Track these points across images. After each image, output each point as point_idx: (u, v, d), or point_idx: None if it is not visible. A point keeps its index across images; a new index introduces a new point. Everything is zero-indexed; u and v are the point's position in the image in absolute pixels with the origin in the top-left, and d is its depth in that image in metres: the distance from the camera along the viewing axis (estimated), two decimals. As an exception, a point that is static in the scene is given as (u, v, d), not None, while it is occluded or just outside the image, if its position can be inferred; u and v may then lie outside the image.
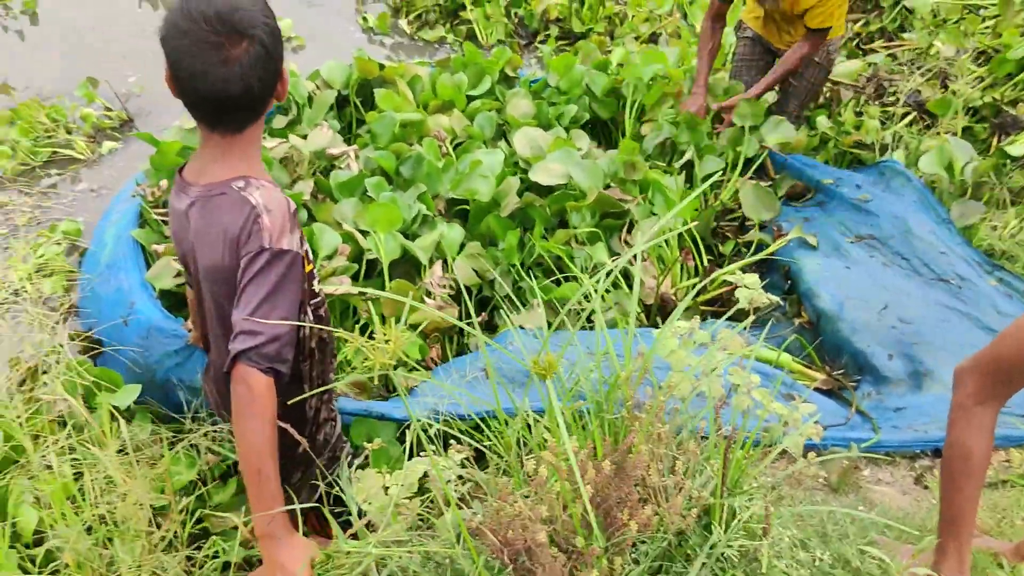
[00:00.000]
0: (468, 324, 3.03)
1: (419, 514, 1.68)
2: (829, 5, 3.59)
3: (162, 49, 1.52)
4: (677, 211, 2.55)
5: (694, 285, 3.41)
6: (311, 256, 1.75)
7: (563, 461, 1.36)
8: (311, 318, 1.76)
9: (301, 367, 1.80)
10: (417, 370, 2.81)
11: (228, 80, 1.49)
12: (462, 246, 3.25)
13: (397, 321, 2.99)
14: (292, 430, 1.51)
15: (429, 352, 2.94)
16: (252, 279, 1.53)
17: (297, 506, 1.57)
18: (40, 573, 2.07)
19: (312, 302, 1.77)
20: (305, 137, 3.47)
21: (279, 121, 3.70)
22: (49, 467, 2.27)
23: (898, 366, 2.81)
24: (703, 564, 1.58)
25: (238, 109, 1.56)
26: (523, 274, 3.23)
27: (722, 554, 1.62)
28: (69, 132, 4.24)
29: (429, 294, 3.02)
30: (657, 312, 3.29)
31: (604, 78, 4.13)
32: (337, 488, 1.66)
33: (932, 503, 2.38)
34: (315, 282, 1.78)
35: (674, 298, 3.33)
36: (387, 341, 1.80)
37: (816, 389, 2.95)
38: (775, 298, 2.19)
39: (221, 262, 1.58)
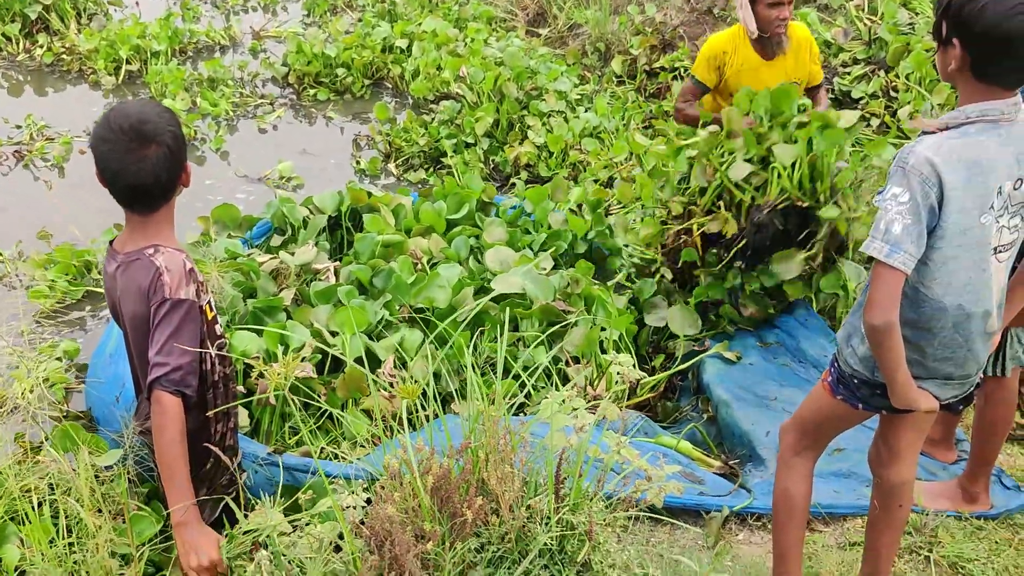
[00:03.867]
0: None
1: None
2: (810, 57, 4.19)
3: (92, 153, 2.06)
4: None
5: (623, 390, 3.89)
6: (214, 306, 2.25)
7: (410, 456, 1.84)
8: (214, 355, 2.23)
9: (207, 397, 2.25)
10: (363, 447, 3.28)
11: (140, 174, 2.04)
12: (421, 347, 3.77)
13: (355, 403, 3.49)
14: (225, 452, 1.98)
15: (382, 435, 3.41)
16: (159, 323, 2.04)
17: (206, 497, 2.05)
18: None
19: (217, 343, 2.24)
20: (293, 254, 4.08)
21: (275, 240, 4.34)
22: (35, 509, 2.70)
23: (772, 441, 3.26)
24: (544, 566, 2.02)
25: (149, 195, 2.11)
26: (471, 371, 3.73)
27: (561, 556, 2.06)
28: (100, 272, 4.87)
29: (387, 385, 3.52)
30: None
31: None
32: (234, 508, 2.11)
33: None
34: (217, 327, 2.27)
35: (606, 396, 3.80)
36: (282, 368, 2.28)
37: (714, 473, 3.38)
38: (642, 373, 2.68)
39: (139, 311, 2.10)
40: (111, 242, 2.24)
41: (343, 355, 3.48)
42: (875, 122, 5.79)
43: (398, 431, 2.86)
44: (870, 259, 2.06)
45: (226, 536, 2.01)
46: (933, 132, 2.07)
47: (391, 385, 3.50)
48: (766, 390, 3.59)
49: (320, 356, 3.54)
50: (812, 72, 4.31)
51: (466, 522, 1.83)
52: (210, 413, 2.27)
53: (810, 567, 2.70)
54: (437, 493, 1.84)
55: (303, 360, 3.43)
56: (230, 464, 2.29)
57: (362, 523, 1.93)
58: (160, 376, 2.00)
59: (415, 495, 1.86)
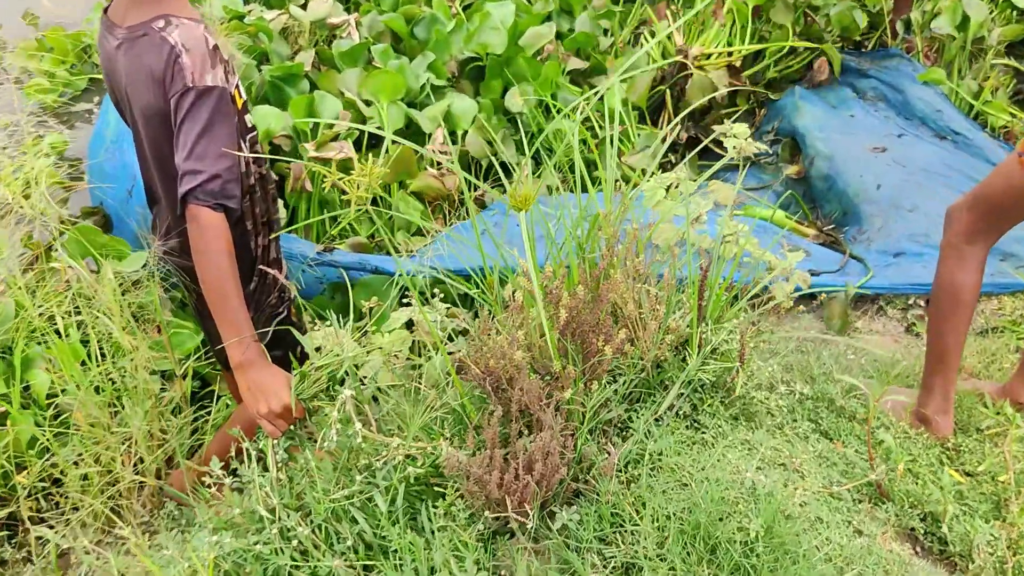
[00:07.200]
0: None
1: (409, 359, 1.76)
2: None
3: None
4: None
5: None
6: (242, 91, 1.76)
7: (538, 286, 1.41)
8: (247, 153, 1.77)
9: (243, 205, 1.81)
10: (421, 235, 2.87)
11: None
12: (476, 118, 3.22)
13: (401, 187, 3.03)
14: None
15: (432, 220, 2.98)
16: (184, 119, 1.56)
17: (269, 329, 1.64)
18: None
19: (248, 136, 1.77)
20: (304, 7, 3.44)
21: (275, -8, 3.67)
22: (59, 333, 2.34)
23: (883, 196, 2.87)
24: (680, 394, 1.65)
25: None
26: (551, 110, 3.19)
27: (699, 382, 1.69)
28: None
29: (437, 164, 3.05)
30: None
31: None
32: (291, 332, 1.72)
33: (921, 349, 2.43)
34: (248, 116, 1.79)
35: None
36: (364, 175, 1.82)
37: (812, 242, 3.00)
38: (763, 146, 2.20)
39: (153, 103, 1.62)
40: (105, 9, 1.69)
41: (380, 130, 2.97)
42: None
43: (464, 218, 2.42)
44: None
45: (296, 375, 1.62)
46: None
47: (438, 164, 3.03)
48: (873, 142, 3.13)
49: (357, 132, 3.04)
50: None
51: (603, 360, 1.44)
52: (248, 225, 1.83)
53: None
54: (568, 328, 1.43)
55: (337, 138, 2.94)
56: (279, 277, 1.89)
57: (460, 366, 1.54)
58: (194, 187, 1.54)
59: (540, 332, 1.45)
